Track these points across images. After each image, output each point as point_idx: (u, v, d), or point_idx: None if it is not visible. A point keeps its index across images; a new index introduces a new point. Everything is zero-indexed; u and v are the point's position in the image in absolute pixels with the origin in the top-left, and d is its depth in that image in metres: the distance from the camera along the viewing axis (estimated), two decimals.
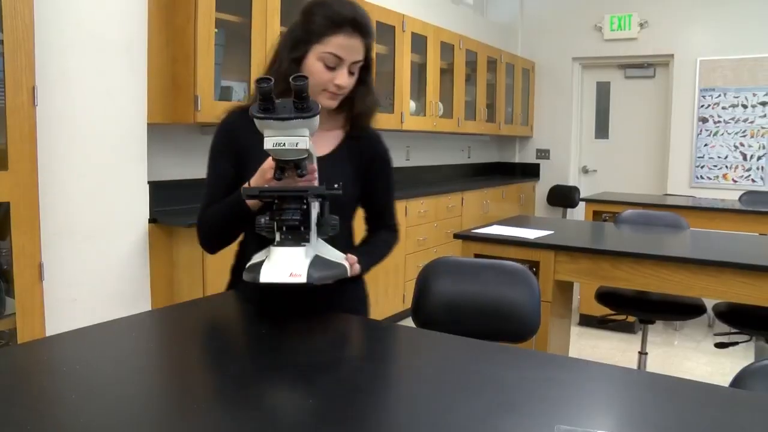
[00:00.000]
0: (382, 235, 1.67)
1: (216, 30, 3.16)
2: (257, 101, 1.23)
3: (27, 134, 2.39)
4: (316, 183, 1.37)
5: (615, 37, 6.32)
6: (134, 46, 2.93)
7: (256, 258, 1.36)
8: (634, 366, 3.15)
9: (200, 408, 0.96)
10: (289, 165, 1.29)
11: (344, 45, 1.43)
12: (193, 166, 3.51)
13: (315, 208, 1.34)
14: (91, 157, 2.78)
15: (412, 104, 4.91)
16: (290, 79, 1.20)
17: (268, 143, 1.24)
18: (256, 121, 1.24)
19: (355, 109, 1.56)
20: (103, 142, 2.83)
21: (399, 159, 5.38)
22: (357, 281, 1.60)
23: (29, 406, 0.94)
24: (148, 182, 3.06)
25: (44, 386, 1.01)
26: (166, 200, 3.29)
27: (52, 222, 2.60)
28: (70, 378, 1.05)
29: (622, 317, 2.97)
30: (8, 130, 2.32)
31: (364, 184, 1.59)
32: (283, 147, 1.24)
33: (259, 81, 1.20)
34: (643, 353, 3.02)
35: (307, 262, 1.28)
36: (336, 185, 1.34)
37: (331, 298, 1.47)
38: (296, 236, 1.30)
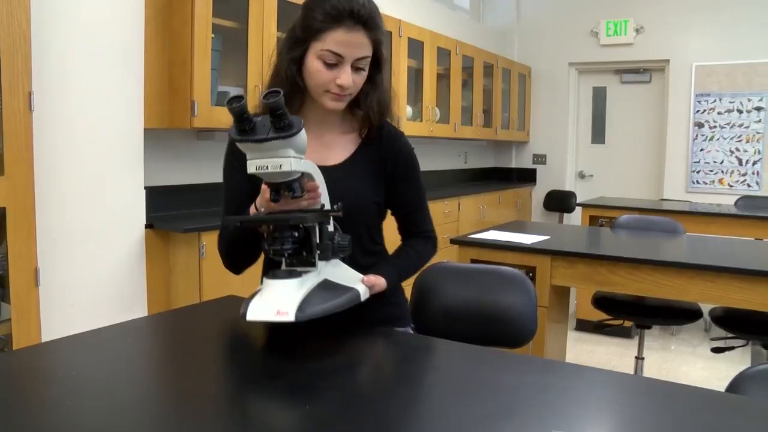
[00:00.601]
0: (416, 244, 1.54)
1: (213, 35, 3.16)
2: (233, 121, 1.14)
3: (23, 139, 2.38)
4: (321, 200, 1.26)
5: (611, 42, 6.34)
6: (131, 51, 2.93)
7: (259, 287, 1.29)
8: (631, 371, 3.15)
9: (197, 414, 0.95)
10: (282, 187, 1.20)
11: (344, 41, 1.32)
12: (190, 172, 3.51)
13: (319, 229, 1.23)
14: (87, 162, 2.78)
15: (409, 109, 4.92)
16: (261, 98, 1.12)
17: (251, 167, 1.15)
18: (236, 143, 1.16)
19: (361, 109, 1.44)
20: (99, 147, 2.83)
21: None
22: (394, 291, 1.50)
23: (25, 412, 0.94)
24: (145, 187, 3.06)
25: (40, 392, 1.01)
26: (163, 205, 3.29)
27: (48, 227, 2.59)
28: (66, 384, 1.04)
29: (618, 322, 2.98)
30: (4, 135, 2.32)
31: (389, 189, 1.49)
32: (267, 170, 1.15)
33: (230, 101, 1.11)
34: (639, 358, 3.02)
35: (299, 297, 1.17)
36: (335, 206, 1.26)
37: (362, 309, 1.35)
38: (301, 260, 1.22)
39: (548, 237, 2.93)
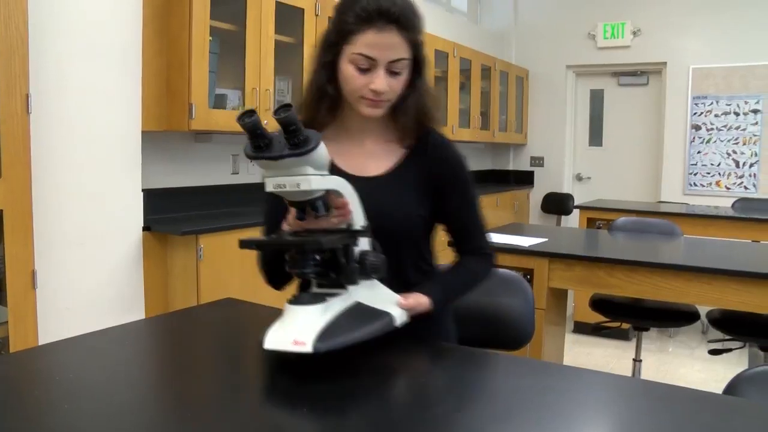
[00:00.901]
0: (469, 262, 1.42)
1: (210, 38, 3.16)
2: (247, 137, 1.07)
3: (21, 141, 2.38)
4: (354, 216, 1.16)
5: (608, 45, 6.35)
6: (129, 54, 2.93)
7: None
8: (629, 373, 3.15)
9: (195, 417, 0.95)
10: (305, 205, 1.12)
11: (375, 42, 1.23)
12: (188, 174, 3.51)
13: (345, 249, 1.13)
14: (85, 165, 2.78)
15: None
16: (273, 114, 1.06)
17: (269, 185, 1.09)
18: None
19: (399, 117, 1.34)
20: (97, 150, 2.83)
21: None
22: (441, 315, 1.39)
23: (21, 415, 0.93)
24: (143, 190, 3.06)
25: (37, 395, 1.01)
26: (161, 208, 3.28)
27: (45, 230, 2.59)
28: (63, 387, 1.04)
29: (616, 324, 2.98)
30: (2, 138, 2.31)
31: (437, 202, 1.37)
32: (285, 189, 1.08)
33: (242, 116, 1.05)
34: (637, 360, 3.02)
35: (320, 325, 1.07)
36: (361, 225, 1.17)
37: (409, 325, 1.26)
38: (330, 282, 1.14)
39: (546, 239, 2.93)
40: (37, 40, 2.48)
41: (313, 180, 1.07)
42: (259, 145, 1.06)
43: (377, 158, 1.36)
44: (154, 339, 1.41)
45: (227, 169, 3.75)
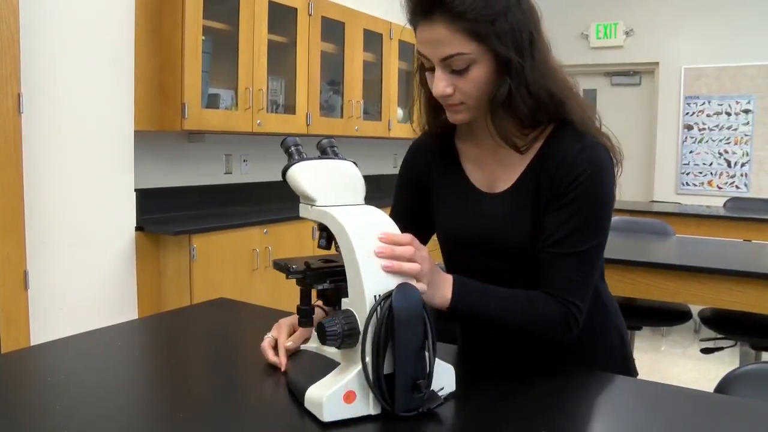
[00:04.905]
0: (539, 297, 1.09)
1: (203, 38, 3.16)
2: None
3: (12, 141, 2.37)
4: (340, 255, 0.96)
5: (601, 45, 6.37)
6: (121, 54, 2.92)
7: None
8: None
9: (188, 418, 0.95)
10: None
11: (422, 39, 1.05)
12: (180, 174, 3.50)
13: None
14: (77, 165, 2.77)
15: (400, 112, 4.92)
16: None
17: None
18: None
19: (496, 123, 1.10)
20: (89, 150, 2.82)
21: (386, 167, 5.39)
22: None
23: (12, 417, 0.93)
24: (135, 190, 3.05)
25: (28, 397, 1.00)
26: (153, 208, 3.28)
27: (37, 230, 2.58)
28: (55, 388, 1.04)
29: None
30: None
31: (544, 216, 1.12)
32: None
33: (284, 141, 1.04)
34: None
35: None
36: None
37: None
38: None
39: None
40: (28, 40, 2.47)
41: (300, 208, 1.03)
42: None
43: (507, 169, 1.16)
44: (147, 339, 1.41)
45: (220, 168, 3.74)
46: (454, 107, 1.10)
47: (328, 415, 0.88)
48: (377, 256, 0.91)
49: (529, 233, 1.12)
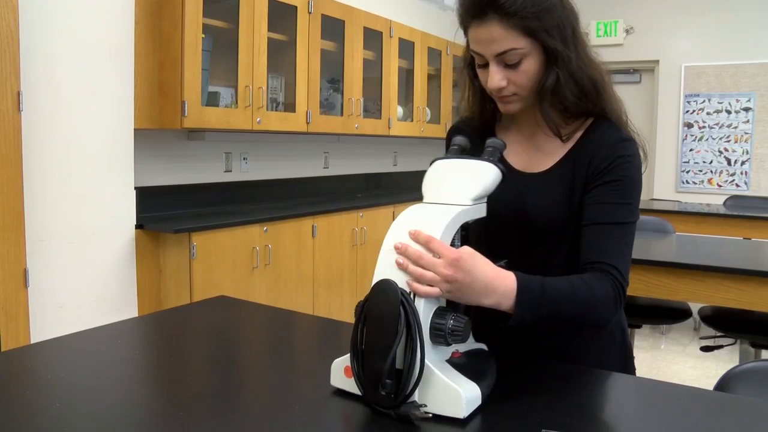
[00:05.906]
0: (588, 277, 1.11)
1: (203, 36, 3.15)
2: None
3: (12, 139, 2.37)
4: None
5: (601, 43, 6.36)
6: (121, 52, 2.92)
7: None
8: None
9: (188, 416, 0.95)
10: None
11: (476, 37, 1.14)
12: (180, 172, 3.50)
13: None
14: (77, 163, 2.77)
15: (400, 110, 4.92)
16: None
17: None
18: None
19: (543, 110, 1.20)
20: (89, 148, 2.82)
21: (386, 165, 5.39)
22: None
23: (12, 414, 0.93)
24: (135, 188, 3.05)
25: (28, 395, 1.00)
26: (153, 206, 3.28)
27: (37, 228, 2.58)
28: (55, 386, 1.04)
29: None
30: None
31: (582, 197, 1.19)
32: None
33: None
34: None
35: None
36: (502, 262, 1.04)
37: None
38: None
39: None
40: (28, 38, 2.47)
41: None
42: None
43: (546, 153, 1.24)
44: (147, 337, 1.41)
45: (220, 166, 3.74)
46: (507, 98, 1.18)
47: (335, 381, 1.01)
48: (395, 251, 0.97)
49: (563, 208, 1.20)
